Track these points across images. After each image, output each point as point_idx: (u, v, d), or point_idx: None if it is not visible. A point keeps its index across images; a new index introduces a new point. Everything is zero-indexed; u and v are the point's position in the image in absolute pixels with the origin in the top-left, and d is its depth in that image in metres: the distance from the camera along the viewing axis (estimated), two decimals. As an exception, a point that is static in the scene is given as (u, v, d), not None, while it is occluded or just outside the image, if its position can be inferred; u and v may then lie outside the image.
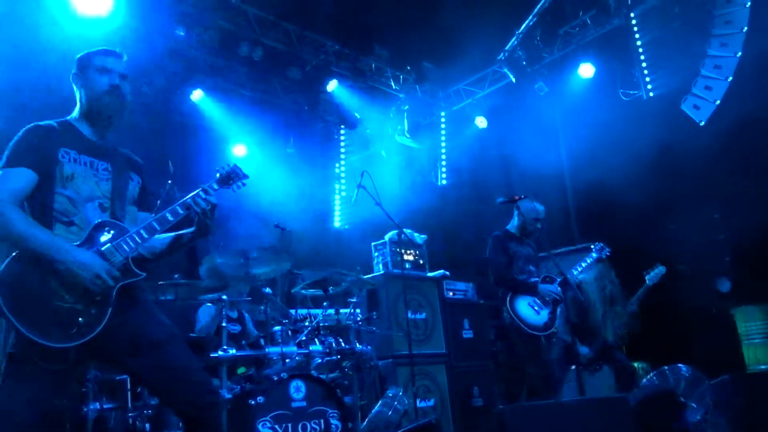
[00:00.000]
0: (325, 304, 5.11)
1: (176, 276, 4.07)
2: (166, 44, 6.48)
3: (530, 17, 7.34)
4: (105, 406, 3.66)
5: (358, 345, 4.58)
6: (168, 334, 2.43)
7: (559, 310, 5.04)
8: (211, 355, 3.81)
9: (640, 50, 7.13)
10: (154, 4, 6.15)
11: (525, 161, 8.13)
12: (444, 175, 9.36)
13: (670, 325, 6.51)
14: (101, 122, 2.53)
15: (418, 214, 8.25)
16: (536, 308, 4.96)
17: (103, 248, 2.31)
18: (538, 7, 7.17)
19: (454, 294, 6.49)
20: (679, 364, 5.37)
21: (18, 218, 2.21)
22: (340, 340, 4.51)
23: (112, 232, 2.36)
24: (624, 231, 6.42)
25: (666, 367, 5.40)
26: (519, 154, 8.31)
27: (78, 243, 2.28)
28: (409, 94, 8.96)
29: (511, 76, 7.84)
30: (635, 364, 5.94)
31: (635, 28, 7.13)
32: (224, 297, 4.03)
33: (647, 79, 7.11)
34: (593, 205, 7.53)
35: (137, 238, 2.37)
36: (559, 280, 5.02)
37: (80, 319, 2.19)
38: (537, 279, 5.06)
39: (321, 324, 4.60)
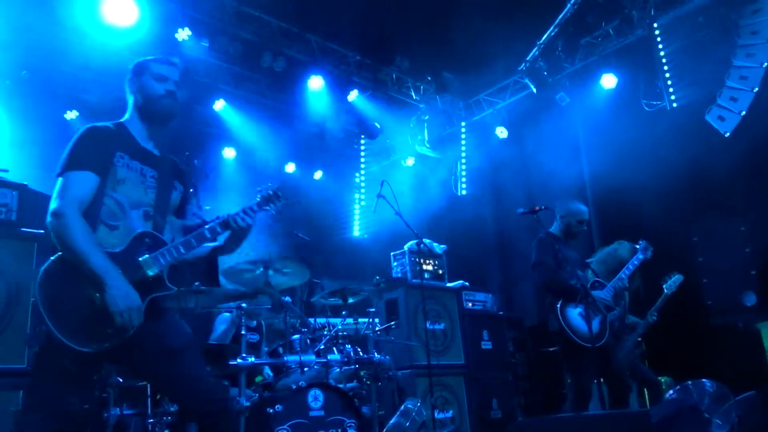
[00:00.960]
0: (344, 313, 5.12)
1: (197, 284, 4.09)
2: (189, 54, 6.57)
3: (552, 27, 7.32)
4: (125, 412, 3.69)
5: (376, 355, 4.58)
6: (185, 343, 2.47)
7: (609, 319, 4.71)
8: (230, 362, 3.82)
9: (664, 60, 7.06)
10: (179, 15, 6.25)
11: (546, 172, 8.09)
12: (464, 186, 9.34)
13: (695, 339, 6.39)
14: (155, 125, 2.62)
15: (437, 224, 8.24)
16: (587, 317, 4.53)
17: (141, 258, 2.37)
18: (560, 17, 7.14)
19: (473, 305, 6.47)
20: (704, 380, 5.27)
21: (81, 231, 2.27)
22: (359, 349, 4.51)
23: (151, 243, 2.43)
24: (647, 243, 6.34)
25: (690, 382, 5.30)
26: (540, 165, 8.27)
27: (120, 250, 2.35)
28: (430, 104, 8.98)
29: (533, 87, 7.82)
30: (660, 379, 5.84)
31: (659, 39, 7.06)
32: (243, 305, 4.06)
33: (671, 89, 7.03)
34: (614, 217, 7.44)
35: (175, 253, 2.44)
36: (611, 285, 4.78)
37: (109, 330, 2.25)
38: (586, 284, 4.71)
39: (339, 333, 4.60)
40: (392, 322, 5.37)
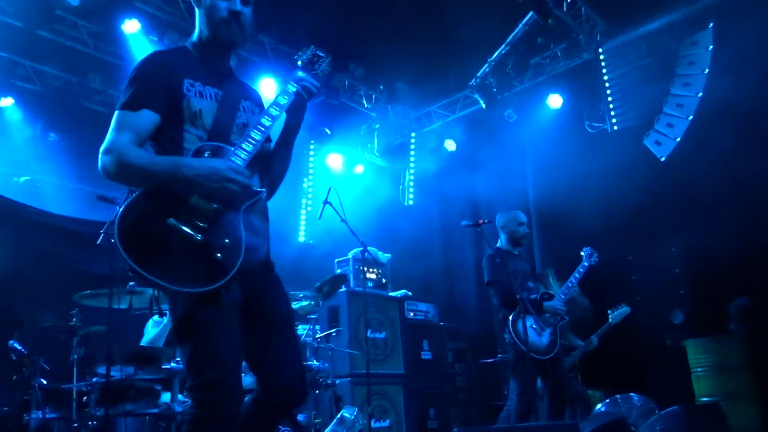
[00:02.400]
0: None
1: (131, 284, 3.96)
2: (137, 49, 6.38)
3: (503, 46, 7.48)
4: (48, 416, 3.52)
5: (315, 362, 4.54)
6: (289, 313, 2.30)
7: (559, 329, 4.80)
8: (163, 366, 3.71)
9: (607, 84, 7.32)
10: (127, 7, 6.06)
11: (492, 186, 8.25)
12: (411, 196, 9.41)
13: (626, 354, 6.62)
14: (217, 53, 2.31)
15: (383, 233, 8.26)
16: (538, 329, 4.70)
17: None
18: (511, 36, 7.31)
19: (415, 314, 6.51)
20: (632, 393, 5.47)
21: (141, 153, 2.03)
22: (298, 356, 4.45)
23: (216, 153, 2.11)
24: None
25: (618, 396, 5.50)
26: (486, 179, 8.42)
27: None
28: (381, 113, 9.02)
29: (482, 102, 7.96)
30: (590, 392, 6.01)
31: (603, 63, 7.32)
32: (164, 308, 3.93)
33: (612, 113, 7.29)
34: (556, 233, 7.65)
35: (242, 154, 2.10)
36: (561, 293, 4.87)
37: (218, 254, 1.95)
38: (536, 296, 4.84)
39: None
40: (333, 330, 5.35)
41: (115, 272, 3.70)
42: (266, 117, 2.19)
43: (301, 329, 4.96)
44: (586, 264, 5.10)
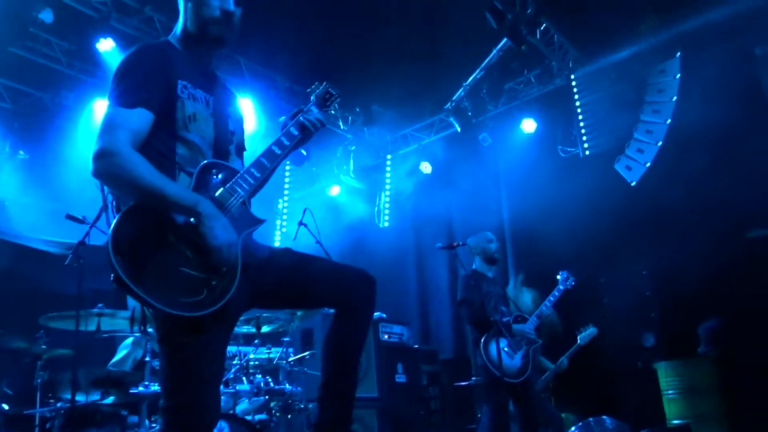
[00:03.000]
0: (256, 341, 4.99)
1: (100, 305, 3.88)
2: (111, 67, 6.33)
3: (478, 71, 7.60)
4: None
5: (288, 386, 4.47)
6: (298, 253, 2.26)
7: (531, 352, 4.83)
8: (131, 390, 3.62)
9: (579, 110, 7.47)
10: (102, 25, 6.03)
11: (467, 208, 8.31)
12: (386, 218, 9.42)
13: (598, 376, 6.65)
14: (204, 51, 2.20)
15: (358, 255, 8.25)
16: (509, 351, 4.72)
17: (216, 194, 1.97)
18: (486, 62, 7.44)
19: (389, 337, 6.46)
20: (604, 416, 5.49)
21: (143, 163, 1.84)
22: (270, 380, 4.39)
23: (221, 174, 2.01)
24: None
25: (591, 419, 5.50)
26: (461, 202, 8.49)
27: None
28: (357, 135, 9.06)
29: (457, 126, 8.05)
30: (563, 415, 6.01)
31: (575, 89, 7.48)
32: (150, 330, 3.86)
33: (584, 138, 7.43)
34: (530, 254, 7.71)
35: (250, 179, 2.03)
36: (534, 317, 4.90)
37: (213, 282, 1.85)
38: (509, 318, 4.86)
39: (251, 363, 4.47)
40: (307, 352, 5.28)
41: (83, 293, 3.62)
42: (277, 146, 2.17)
43: (274, 352, 4.89)
44: (561, 287, 5.16)
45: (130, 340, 4.68)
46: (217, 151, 2.12)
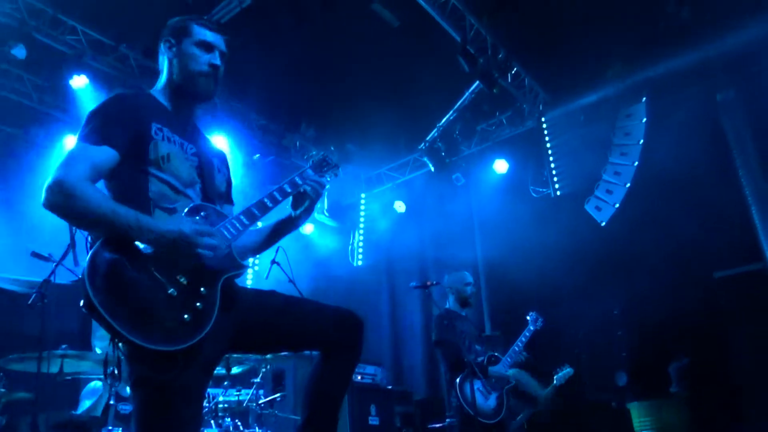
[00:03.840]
0: (225, 383, 4.86)
1: (64, 346, 3.75)
2: (85, 104, 6.30)
3: (451, 112, 7.75)
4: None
5: (258, 429, 4.35)
6: (281, 295, 2.23)
7: (505, 393, 4.80)
8: (94, 436, 3.48)
9: (550, 152, 7.63)
10: (76, 63, 6.01)
11: (440, 248, 8.33)
12: (360, 256, 9.39)
13: (572, 417, 6.61)
14: (188, 104, 2.25)
15: (331, 294, 8.17)
16: (484, 393, 4.69)
17: None
18: (459, 103, 7.59)
19: (362, 378, 6.37)
20: (578, 457, 5.44)
21: (93, 194, 1.83)
22: (239, 423, 4.27)
23: (209, 217, 2.02)
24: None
25: (566, 461, 5.45)
26: (435, 241, 8.52)
27: None
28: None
29: (431, 166, 8.14)
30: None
31: (546, 132, 7.66)
32: (116, 372, 3.74)
33: (555, 178, 7.57)
34: (503, 294, 7.73)
35: (238, 225, 2.06)
36: (507, 358, 4.88)
37: (185, 315, 1.81)
38: (483, 358, 4.84)
39: (219, 405, 4.34)
40: (278, 394, 5.17)
41: (46, 333, 3.50)
42: (269, 200, 2.20)
43: (244, 394, 4.77)
44: (531, 328, 5.19)
45: (94, 384, 4.52)
46: (206, 197, 2.13)
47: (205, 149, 2.24)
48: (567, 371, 5.84)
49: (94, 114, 2.01)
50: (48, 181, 1.85)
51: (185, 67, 2.18)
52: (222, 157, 2.35)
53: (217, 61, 2.20)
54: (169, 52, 2.22)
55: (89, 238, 1.93)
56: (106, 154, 1.94)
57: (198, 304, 1.85)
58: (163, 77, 2.24)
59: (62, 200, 1.82)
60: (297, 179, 2.29)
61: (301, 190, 2.28)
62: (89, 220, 1.84)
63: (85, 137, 1.94)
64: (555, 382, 5.85)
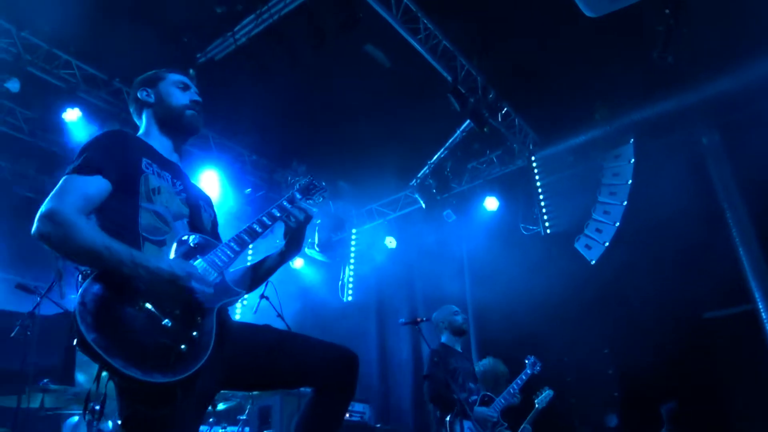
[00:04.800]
0: (211, 420, 4.77)
1: (45, 380, 3.68)
2: (77, 137, 6.33)
3: (442, 150, 7.84)
4: None
5: (242, 469, 4.25)
6: (276, 330, 2.20)
7: None
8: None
9: (540, 191, 7.71)
10: (69, 96, 6.06)
11: (430, 284, 8.31)
12: (350, 292, 9.35)
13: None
14: (178, 138, 2.31)
15: (320, 329, 8.10)
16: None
17: (195, 263, 1.98)
18: (450, 141, 7.69)
19: (350, 416, 6.26)
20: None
21: (86, 228, 1.82)
22: (223, 462, 4.18)
23: (200, 245, 2.04)
24: (520, 359, 6.58)
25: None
26: (425, 277, 8.50)
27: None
28: (323, 209, 9.11)
29: (422, 202, 8.19)
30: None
31: (536, 171, 7.74)
32: (96, 407, 3.66)
33: (545, 217, 7.63)
34: (493, 331, 7.70)
35: (229, 252, 2.07)
36: (500, 400, 4.80)
37: (182, 346, 1.77)
38: (476, 397, 4.77)
39: (204, 443, 4.26)
40: (264, 431, 5.08)
41: (26, 368, 3.44)
42: (258, 225, 2.21)
43: (230, 431, 4.68)
44: (528, 372, 5.13)
45: (72, 420, 4.41)
46: (194, 230, 2.14)
47: (192, 189, 2.27)
48: (547, 393, 5.77)
49: (88, 146, 2.03)
50: (41, 210, 1.84)
51: (169, 105, 2.28)
52: (208, 199, 2.38)
53: (198, 97, 2.30)
54: (148, 98, 2.30)
55: (80, 277, 1.90)
56: (99, 185, 1.94)
57: (194, 333, 1.83)
58: (144, 122, 2.31)
59: (54, 231, 1.81)
60: (285, 203, 2.30)
61: (292, 219, 2.29)
62: (80, 253, 1.81)
63: (78, 168, 1.95)
64: (537, 405, 5.78)
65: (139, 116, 2.34)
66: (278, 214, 2.27)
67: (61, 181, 1.93)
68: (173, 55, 5.74)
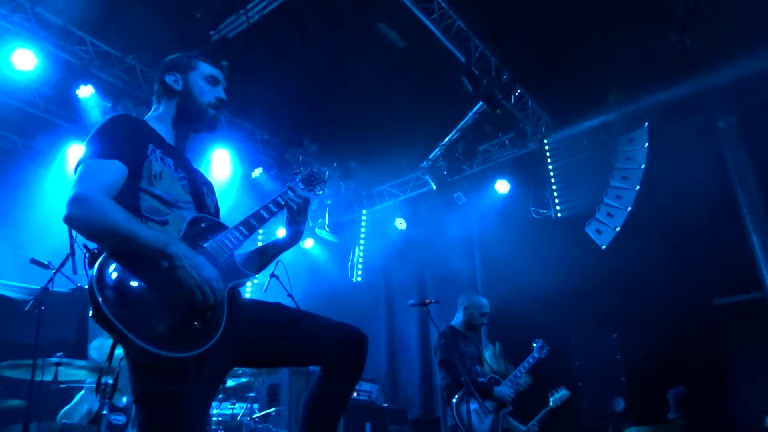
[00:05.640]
0: (220, 396, 4.84)
1: (59, 354, 3.74)
2: (90, 113, 6.35)
3: (453, 132, 7.79)
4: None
5: (251, 444, 4.32)
6: (286, 308, 2.25)
7: (501, 416, 4.74)
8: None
9: (551, 174, 7.65)
10: (82, 72, 6.07)
11: (439, 266, 8.32)
12: (360, 272, 9.38)
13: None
14: (191, 130, 2.35)
15: (330, 309, 8.12)
16: (481, 415, 4.63)
17: (206, 245, 2.03)
18: (462, 123, 7.64)
19: (358, 395, 6.34)
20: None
21: (118, 209, 1.87)
22: (232, 437, 4.24)
23: (210, 229, 2.08)
24: (528, 342, 6.59)
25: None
26: (434, 259, 8.50)
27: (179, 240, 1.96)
28: (333, 189, 9.12)
29: (432, 184, 8.17)
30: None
31: (548, 154, 7.68)
32: (109, 381, 3.72)
33: (556, 200, 7.59)
34: (502, 314, 7.70)
35: (238, 235, 2.13)
36: (509, 381, 4.84)
37: (195, 323, 1.82)
38: (483, 380, 4.82)
39: (213, 419, 4.32)
40: (272, 409, 5.13)
41: (41, 341, 3.50)
42: (265, 211, 2.28)
43: (238, 408, 4.74)
44: (536, 355, 5.13)
45: (80, 393, 4.48)
46: (199, 211, 2.18)
47: (195, 175, 2.31)
48: (563, 393, 5.79)
49: (103, 130, 2.07)
50: (69, 196, 1.89)
51: (195, 99, 2.29)
52: (210, 185, 2.42)
53: (224, 95, 2.33)
54: (175, 84, 2.30)
55: (87, 255, 1.94)
56: (119, 169, 2.00)
57: (207, 312, 1.86)
58: (162, 106, 2.32)
59: (85, 214, 1.86)
60: (290, 192, 2.36)
61: (292, 205, 2.34)
62: (114, 236, 1.85)
63: (97, 153, 1.99)
64: (551, 404, 5.80)
65: (159, 98, 2.34)
66: (283, 202, 2.34)
67: (81, 167, 1.97)
68: (186, 32, 5.73)
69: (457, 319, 5.13)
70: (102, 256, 1.82)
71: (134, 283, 1.79)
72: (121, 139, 2.05)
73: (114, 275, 1.77)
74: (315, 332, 2.22)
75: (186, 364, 1.79)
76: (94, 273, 1.75)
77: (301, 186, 2.44)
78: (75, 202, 1.87)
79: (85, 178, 1.93)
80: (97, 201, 1.86)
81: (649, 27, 5.81)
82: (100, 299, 1.69)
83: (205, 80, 2.31)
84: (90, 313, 1.70)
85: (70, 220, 1.87)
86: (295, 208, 2.34)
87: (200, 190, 2.27)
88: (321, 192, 2.60)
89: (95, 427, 3.60)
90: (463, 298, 5.15)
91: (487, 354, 5.88)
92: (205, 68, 2.34)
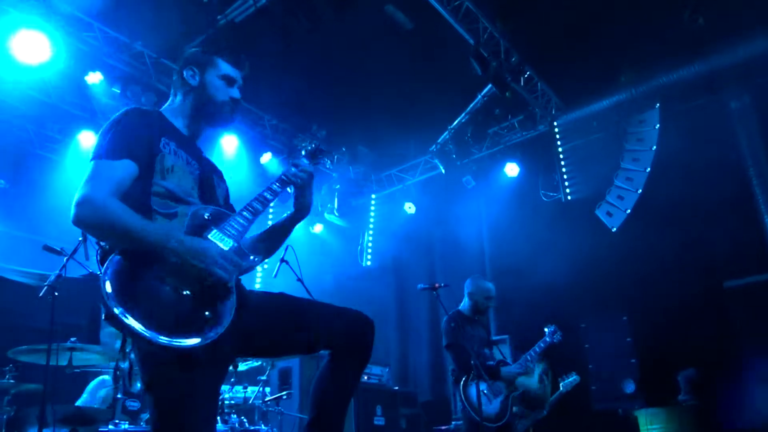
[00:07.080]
0: (232, 380, 4.89)
1: (73, 339, 3.79)
2: (99, 99, 6.36)
3: (462, 115, 7.75)
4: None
5: (263, 426, 4.38)
6: (290, 297, 2.25)
7: (510, 399, 4.76)
8: (101, 429, 3.51)
9: (561, 156, 7.61)
10: (92, 59, 6.08)
11: (448, 250, 8.32)
12: (369, 257, 9.41)
13: (579, 422, 6.59)
14: (202, 127, 2.36)
15: (339, 293, 8.19)
16: (489, 396, 4.66)
17: (209, 235, 2.03)
18: (471, 106, 7.59)
19: (369, 378, 6.37)
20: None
21: (123, 209, 1.91)
22: (245, 420, 4.29)
23: (213, 218, 2.09)
24: (539, 325, 6.60)
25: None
26: (444, 243, 8.50)
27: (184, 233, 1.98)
28: (342, 174, 9.11)
29: (441, 168, 8.14)
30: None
31: (558, 136, 7.63)
32: (124, 366, 3.78)
33: (566, 183, 7.55)
34: (512, 298, 7.71)
35: (242, 221, 2.11)
36: (520, 363, 4.85)
37: (206, 312, 1.85)
38: (492, 363, 4.84)
39: (226, 402, 4.37)
40: (284, 392, 5.19)
41: (55, 326, 3.54)
42: (268, 192, 2.25)
43: (250, 391, 4.79)
44: (548, 340, 5.11)
45: (101, 378, 4.54)
46: (207, 202, 2.18)
47: (207, 166, 2.32)
48: (573, 378, 5.81)
49: (112, 127, 2.08)
50: (76, 197, 1.92)
51: (210, 97, 2.30)
52: (220, 173, 2.43)
53: (239, 95, 2.35)
54: (192, 79, 2.32)
55: (98, 251, 1.99)
56: (129, 168, 2.02)
57: (216, 300, 1.89)
58: (178, 99, 2.35)
59: (92, 216, 1.90)
60: (293, 169, 2.34)
61: (297, 181, 2.32)
62: (118, 235, 1.90)
63: (106, 152, 2.01)
64: (561, 389, 5.82)
65: (176, 91, 2.37)
66: (286, 179, 2.31)
67: (91, 167, 1.99)
68: (193, 16, 5.70)
69: (464, 303, 5.14)
70: (112, 252, 1.86)
71: (143, 279, 1.83)
72: (132, 136, 2.06)
73: (123, 273, 1.81)
74: (320, 320, 2.23)
75: (195, 353, 1.81)
76: (103, 274, 1.79)
77: (305, 160, 2.40)
78: (81, 203, 1.91)
79: (93, 179, 1.96)
80: (102, 203, 1.90)
81: (662, 5, 5.73)
82: (109, 300, 1.73)
83: (221, 79, 2.32)
84: (103, 316, 1.75)
85: (78, 221, 1.92)
86: (299, 182, 2.32)
87: (211, 180, 2.29)
88: (330, 165, 2.58)
89: (110, 411, 3.66)
90: (468, 282, 5.15)
91: (538, 371, 5.86)
92: (223, 67, 2.34)
